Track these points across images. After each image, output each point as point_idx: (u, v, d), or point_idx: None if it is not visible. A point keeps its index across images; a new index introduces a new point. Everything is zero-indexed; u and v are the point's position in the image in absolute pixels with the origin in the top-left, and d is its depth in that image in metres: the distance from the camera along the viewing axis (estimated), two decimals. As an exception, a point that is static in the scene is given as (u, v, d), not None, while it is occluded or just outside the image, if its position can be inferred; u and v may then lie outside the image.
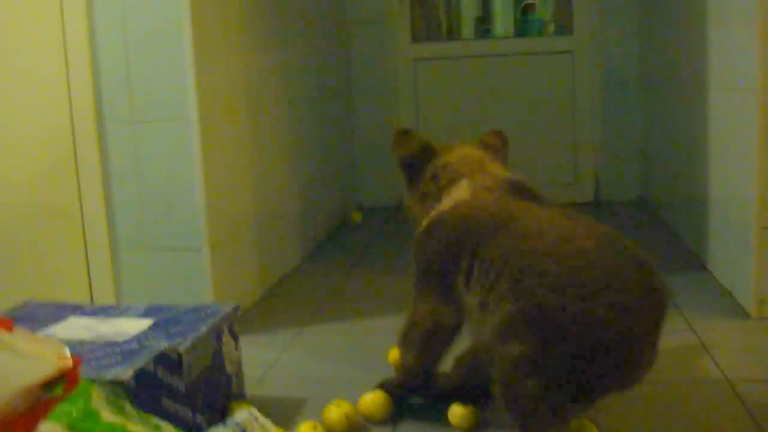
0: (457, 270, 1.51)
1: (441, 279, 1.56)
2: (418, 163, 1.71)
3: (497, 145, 1.77)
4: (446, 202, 1.61)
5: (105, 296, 2.22)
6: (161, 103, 2.12)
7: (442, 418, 1.62)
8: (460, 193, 1.60)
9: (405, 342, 1.65)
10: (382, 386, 1.69)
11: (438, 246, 1.56)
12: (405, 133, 1.76)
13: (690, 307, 2.25)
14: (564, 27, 3.98)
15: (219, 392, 1.61)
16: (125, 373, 1.32)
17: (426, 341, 1.61)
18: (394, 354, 1.92)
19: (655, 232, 3.22)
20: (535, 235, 1.42)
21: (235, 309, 1.72)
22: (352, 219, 3.72)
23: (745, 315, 2.18)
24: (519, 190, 1.60)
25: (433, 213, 1.63)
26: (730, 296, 2.34)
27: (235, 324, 1.71)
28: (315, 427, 1.52)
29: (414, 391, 1.70)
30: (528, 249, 1.40)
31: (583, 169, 3.89)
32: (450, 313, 1.56)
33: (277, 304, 2.51)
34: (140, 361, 1.37)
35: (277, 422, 1.54)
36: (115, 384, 1.31)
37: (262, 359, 2.02)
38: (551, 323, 1.34)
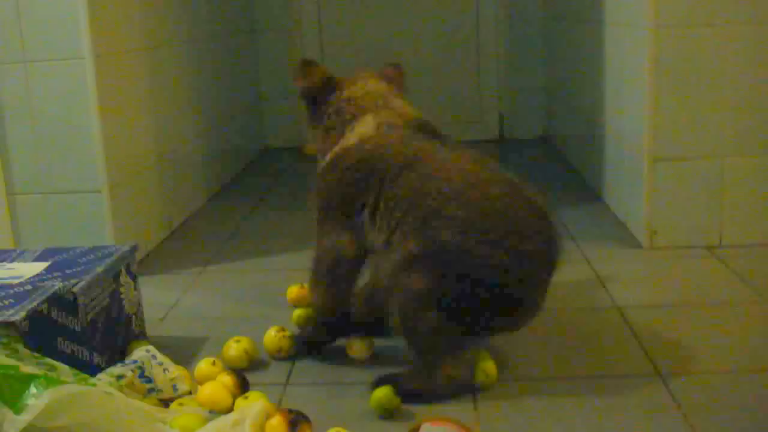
0: (361, 204, 1.52)
1: (343, 212, 1.55)
2: (321, 95, 1.67)
3: (397, 77, 1.75)
4: (350, 138, 1.59)
5: (2, 241, 2.17)
6: (54, 41, 2.05)
7: (340, 351, 1.65)
8: (364, 128, 1.58)
9: (313, 281, 1.62)
10: (296, 338, 1.65)
11: (342, 180, 1.55)
12: (308, 64, 1.70)
13: (585, 239, 2.33)
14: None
15: (118, 332, 1.60)
16: (17, 314, 1.31)
17: (332, 275, 1.58)
18: (291, 292, 1.93)
19: (555, 167, 3.30)
20: (442, 178, 1.44)
21: (133, 249, 1.70)
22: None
23: (638, 245, 2.26)
24: (424, 129, 1.59)
25: (336, 148, 1.60)
26: (624, 228, 2.42)
27: (134, 264, 1.70)
28: (214, 363, 1.53)
29: (332, 332, 1.66)
30: (435, 191, 1.42)
31: (487, 106, 3.92)
32: (352, 245, 1.54)
33: (180, 245, 2.50)
34: (33, 303, 1.35)
35: (178, 360, 1.54)
36: (7, 326, 1.29)
37: (164, 300, 2.01)
38: (453, 263, 1.38)
